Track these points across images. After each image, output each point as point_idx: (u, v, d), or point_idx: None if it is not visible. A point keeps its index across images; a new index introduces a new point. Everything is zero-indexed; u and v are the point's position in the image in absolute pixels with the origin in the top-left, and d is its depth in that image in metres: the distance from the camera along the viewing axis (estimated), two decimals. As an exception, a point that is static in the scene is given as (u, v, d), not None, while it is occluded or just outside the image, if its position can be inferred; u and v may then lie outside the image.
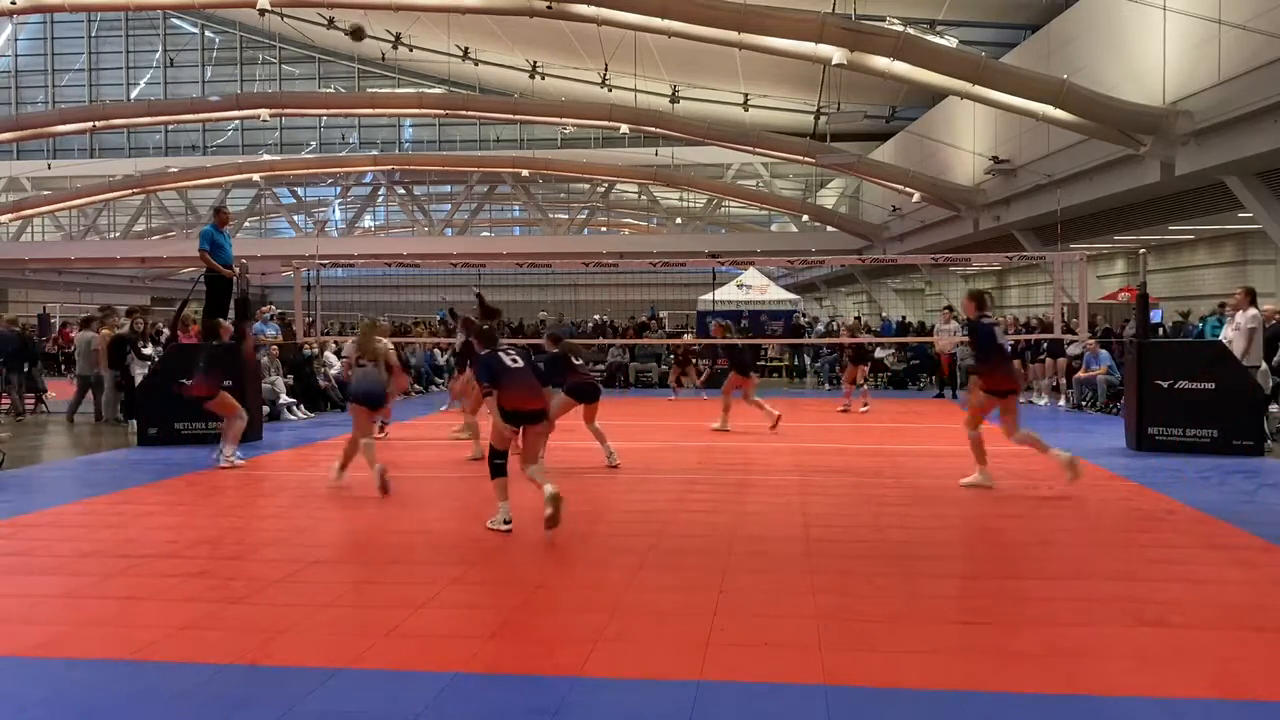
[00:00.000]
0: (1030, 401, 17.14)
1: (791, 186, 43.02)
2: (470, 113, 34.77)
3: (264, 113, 30.78)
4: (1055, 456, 7.90)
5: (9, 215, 40.28)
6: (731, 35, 18.90)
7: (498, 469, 6.67)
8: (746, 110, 37.08)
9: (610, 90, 33.68)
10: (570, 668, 3.99)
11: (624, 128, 31.19)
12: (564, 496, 6.35)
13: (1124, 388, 12.13)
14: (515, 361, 6.83)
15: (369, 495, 8.10)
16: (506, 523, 6.55)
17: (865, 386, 16.28)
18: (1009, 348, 9.05)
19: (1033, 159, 21.50)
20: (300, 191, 45.49)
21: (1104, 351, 15.78)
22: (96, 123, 31.86)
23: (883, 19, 21.09)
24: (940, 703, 3.66)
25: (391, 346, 8.91)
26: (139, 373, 13.67)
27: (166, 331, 16.55)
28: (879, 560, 5.83)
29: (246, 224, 43.31)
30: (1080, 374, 16.18)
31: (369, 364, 8.40)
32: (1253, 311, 11.29)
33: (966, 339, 9.54)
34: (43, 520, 7.00)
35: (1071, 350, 16.57)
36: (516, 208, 48.42)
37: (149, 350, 14.32)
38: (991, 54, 22.80)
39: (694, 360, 19.84)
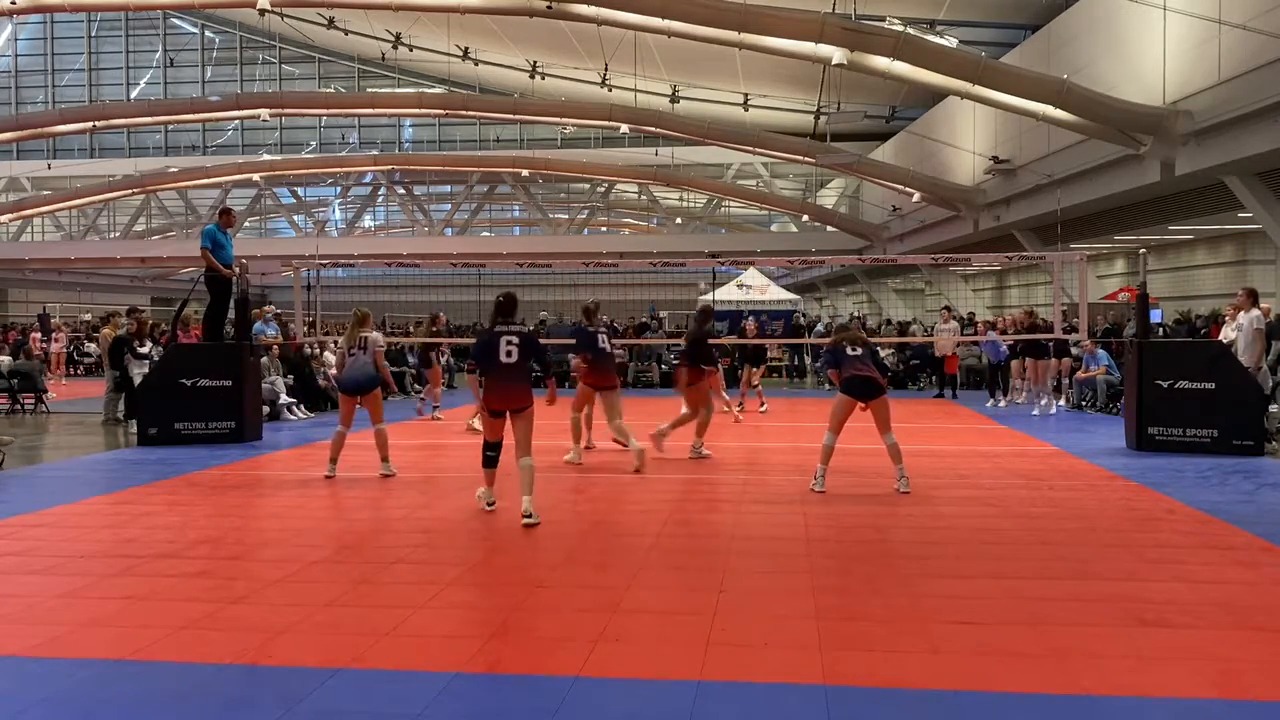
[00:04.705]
0: (1033, 403, 17.10)
1: (791, 186, 43.03)
2: (470, 113, 34.79)
3: (264, 113, 30.80)
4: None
5: (9, 215, 40.28)
6: (732, 35, 18.91)
7: (487, 460, 7.01)
8: (746, 110, 37.11)
9: (610, 90, 33.71)
10: (570, 668, 3.99)
11: (624, 128, 31.21)
12: (538, 520, 6.73)
13: (1124, 388, 12.12)
14: (510, 355, 6.74)
15: (369, 495, 8.11)
16: (489, 504, 6.90)
17: (759, 387, 15.99)
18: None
19: (1033, 159, 21.50)
20: (300, 191, 45.50)
21: (1101, 351, 15.74)
22: (96, 123, 31.88)
23: (883, 19, 21.09)
24: (940, 703, 3.66)
25: (381, 339, 9.24)
26: (136, 373, 13.65)
27: (167, 330, 16.51)
28: (879, 560, 5.83)
29: (246, 224, 43.32)
30: (1080, 374, 16.16)
31: (359, 352, 8.94)
32: (1255, 313, 11.25)
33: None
34: (43, 520, 7.00)
35: (1074, 350, 16.52)
36: (516, 208, 48.44)
37: (145, 349, 14.27)
38: (991, 54, 22.81)
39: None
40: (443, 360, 16.76)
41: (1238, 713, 3.61)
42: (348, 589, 5.17)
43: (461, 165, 40.68)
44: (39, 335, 25.27)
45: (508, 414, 6.89)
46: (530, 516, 6.70)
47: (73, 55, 48.99)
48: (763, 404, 15.68)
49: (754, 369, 15.90)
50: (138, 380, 13.43)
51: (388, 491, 8.30)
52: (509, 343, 6.75)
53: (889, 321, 29.16)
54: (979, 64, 18.52)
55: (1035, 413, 15.21)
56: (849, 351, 8.20)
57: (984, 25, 27.14)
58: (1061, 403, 16.59)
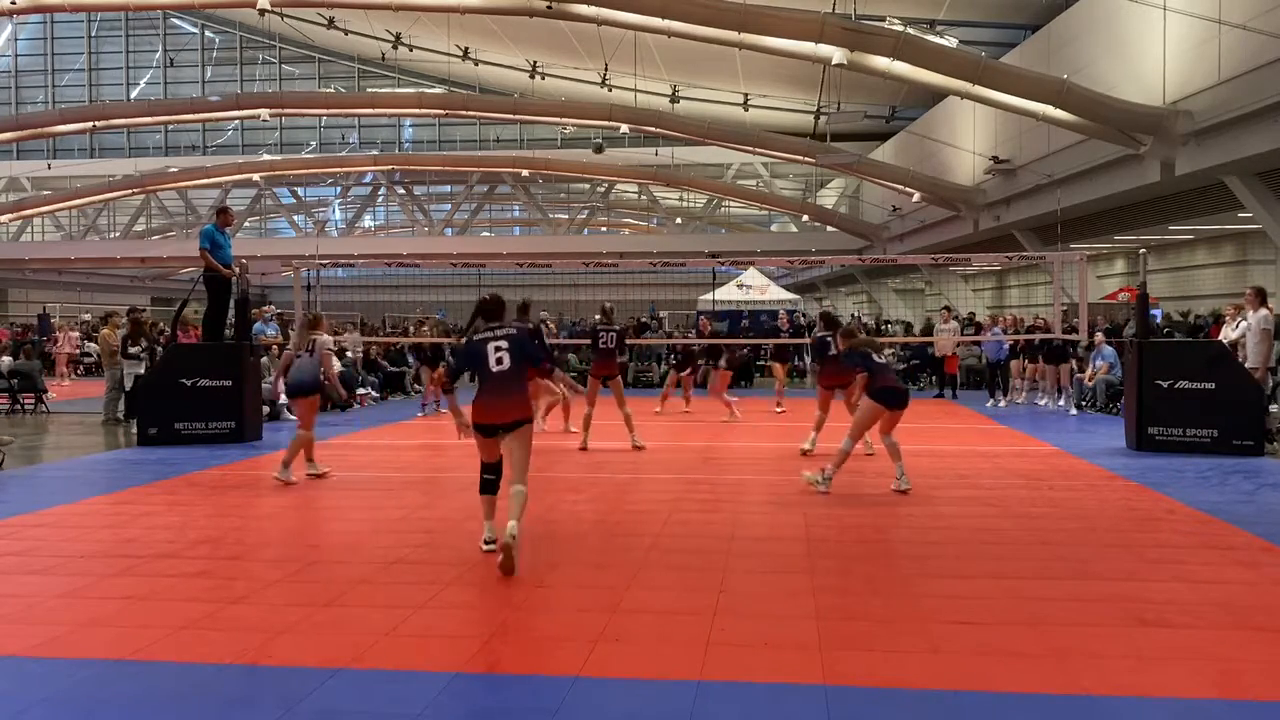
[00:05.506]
0: (1034, 403, 17.11)
1: (791, 186, 43.01)
2: (470, 113, 34.77)
3: (264, 113, 30.77)
4: None
5: (9, 215, 40.27)
6: (731, 35, 18.90)
7: (485, 484, 6.00)
8: (746, 110, 37.08)
9: (610, 90, 33.69)
10: (570, 668, 3.99)
11: (624, 128, 31.19)
12: (517, 544, 5.52)
13: (1124, 388, 12.11)
14: (500, 363, 5.80)
15: (369, 496, 8.11)
16: (488, 543, 5.89)
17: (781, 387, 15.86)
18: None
19: (1033, 159, 21.49)
20: (300, 191, 45.47)
21: (1108, 348, 15.69)
22: (96, 123, 31.84)
23: (883, 19, 21.08)
24: (940, 703, 3.66)
25: (331, 342, 9.19)
26: (128, 373, 13.62)
27: (167, 330, 16.49)
28: (879, 560, 5.83)
29: (246, 224, 43.31)
30: (1086, 374, 16.10)
31: (305, 355, 8.79)
32: (1263, 312, 11.22)
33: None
34: (43, 520, 7.00)
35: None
36: (516, 208, 48.41)
37: (135, 349, 14.22)
38: (991, 54, 22.80)
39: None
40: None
41: (1238, 713, 3.61)
42: (348, 589, 5.17)
43: (461, 165, 40.65)
44: (73, 335, 25.34)
45: (500, 431, 5.80)
46: (513, 539, 5.45)
47: (73, 55, 48.96)
48: (779, 405, 15.65)
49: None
50: (129, 382, 13.41)
51: (387, 492, 8.30)
52: (497, 348, 5.81)
53: (857, 317, 27.97)
54: (979, 64, 18.51)
55: (1073, 412, 15.44)
56: (876, 359, 8.25)
57: (984, 25, 27.12)
58: (1062, 403, 16.59)
